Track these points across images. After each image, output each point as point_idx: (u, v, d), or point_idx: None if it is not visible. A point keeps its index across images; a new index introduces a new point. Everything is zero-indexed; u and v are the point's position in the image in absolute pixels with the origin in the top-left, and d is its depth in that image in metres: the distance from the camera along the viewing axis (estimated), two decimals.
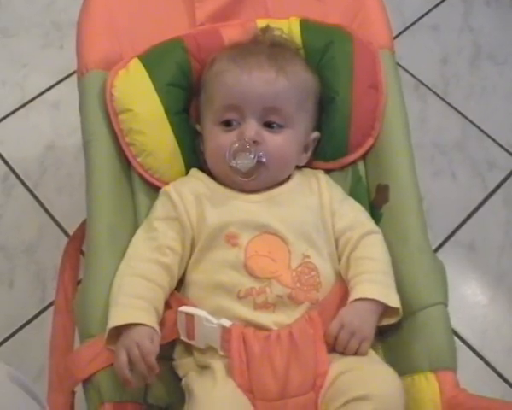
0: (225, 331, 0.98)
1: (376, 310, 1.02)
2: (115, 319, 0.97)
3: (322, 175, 1.16)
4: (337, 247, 1.10)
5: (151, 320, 0.97)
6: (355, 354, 1.00)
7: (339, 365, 0.97)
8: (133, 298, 0.99)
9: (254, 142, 1.06)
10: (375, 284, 1.03)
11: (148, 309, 0.98)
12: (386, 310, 1.03)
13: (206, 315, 0.99)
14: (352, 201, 1.16)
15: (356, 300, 1.01)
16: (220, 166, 1.10)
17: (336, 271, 1.08)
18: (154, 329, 0.96)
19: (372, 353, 1.03)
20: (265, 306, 1.00)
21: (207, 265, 1.04)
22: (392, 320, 1.04)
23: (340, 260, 1.09)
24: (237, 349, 0.96)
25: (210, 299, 1.02)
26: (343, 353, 1.00)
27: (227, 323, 0.98)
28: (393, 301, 1.03)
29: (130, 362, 0.94)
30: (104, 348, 0.98)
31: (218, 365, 0.97)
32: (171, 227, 1.06)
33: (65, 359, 1.06)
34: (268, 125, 1.08)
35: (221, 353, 0.98)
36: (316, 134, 1.16)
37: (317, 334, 0.98)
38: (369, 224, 1.12)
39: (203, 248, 1.05)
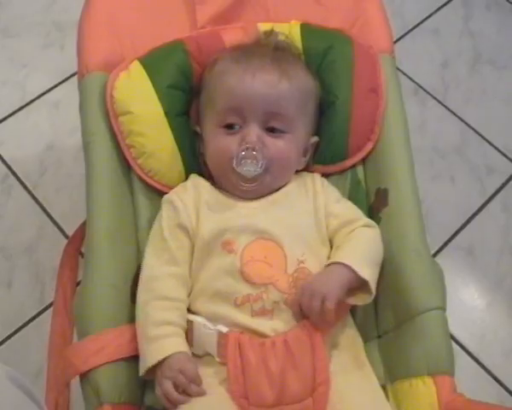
0: (222, 337, 0.98)
1: (344, 273, 1.00)
2: (151, 356, 0.97)
3: (317, 177, 1.16)
4: (332, 246, 1.10)
5: (183, 344, 0.98)
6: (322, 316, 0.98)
7: (350, 404, 0.97)
8: (162, 326, 0.99)
9: (258, 147, 1.05)
10: (349, 253, 1.03)
11: (177, 333, 0.99)
12: (356, 282, 1.01)
13: (205, 321, 1.00)
14: (348, 202, 1.16)
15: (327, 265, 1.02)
16: (222, 170, 1.10)
17: None
18: (187, 352, 0.98)
19: (378, 389, 1.03)
20: (263, 312, 1.00)
21: (205, 273, 1.04)
22: (364, 300, 1.02)
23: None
24: (233, 355, 0.96)
25: (208, 306, 1.02)
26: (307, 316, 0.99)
27: (224, 329, 0.98)
28: (365, 272, 1.00)
29: (177, 388, 0.95)
30: (107, 343, 0.98)
31: (207, 372, 0.98)
32: (178, 235, 1.06)
33: (65, 350, 1.06)
34: (269, 130, 1.08)
35: (217, 359, 0.98)
36: (315, 139, 1.17)
37: (314, 341, 0.98)
38: (365, 219, 1.11)
39: (200, 257, 1.05)
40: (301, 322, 0.99)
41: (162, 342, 0.98)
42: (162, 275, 1.03)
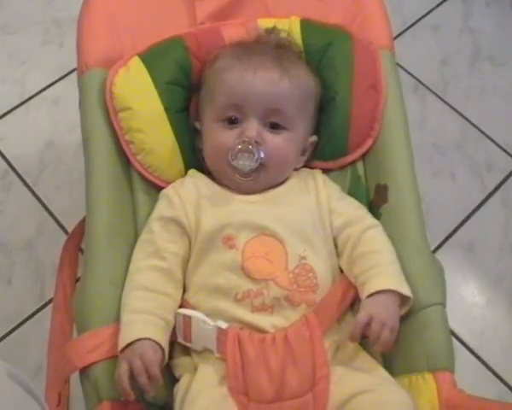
0: (221, 333, 0.98)
1: (395, 300, 1.00)
2: (121, 341, 0.96)
3: (318, 174, 1.16)
4: (336, 245, 1.10)
5: (154, 333, 0.96)
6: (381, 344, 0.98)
7: (352, 384, 0.96)
8: (136, 314, 0.99)
9: (255, 142, 1.05)
10: (387, 275, 1.02)
11: (152, 321, 0.98)
12: (401, 300, 1.02)
13: (203, 317, 0.99)
14: (349, 198, 1.16)
15: (373, 294, 0.99)
16: (219, 164, 1.10)
17: (334, 271, 1.07)
18: (156, 342, 0.96)
19: (384, 371, 1.02)
20: (263, 308, 1.00)
21: (205, 268, 1.04)
22: (403, 310, 1.03)
23: (340, 257, 1.08)
24: (232, 351, 0.96)
25: (208, 301, 1.02)
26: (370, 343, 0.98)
27: (223, 325, 0.98)
28: (406, 289, 1.01)
29: (132, 374, 0.93)
30: (105, 340, 0.98)
31: (206, 369, 0.98)
32: (168, 229, 1.06)
33: (63, 346, 1.06)
34: (269, 126, 1.08)
35: (217, 355, 0.98)
36: (313, 138, 1.16)
37: (314, 336, 0.98)
38: (368, 219, 1.11)
39: (201, 251, 1.05)
40: (302, 317, 0.99)
41: (133, 327, 0.97)
42: (143, 267, 1.03)
